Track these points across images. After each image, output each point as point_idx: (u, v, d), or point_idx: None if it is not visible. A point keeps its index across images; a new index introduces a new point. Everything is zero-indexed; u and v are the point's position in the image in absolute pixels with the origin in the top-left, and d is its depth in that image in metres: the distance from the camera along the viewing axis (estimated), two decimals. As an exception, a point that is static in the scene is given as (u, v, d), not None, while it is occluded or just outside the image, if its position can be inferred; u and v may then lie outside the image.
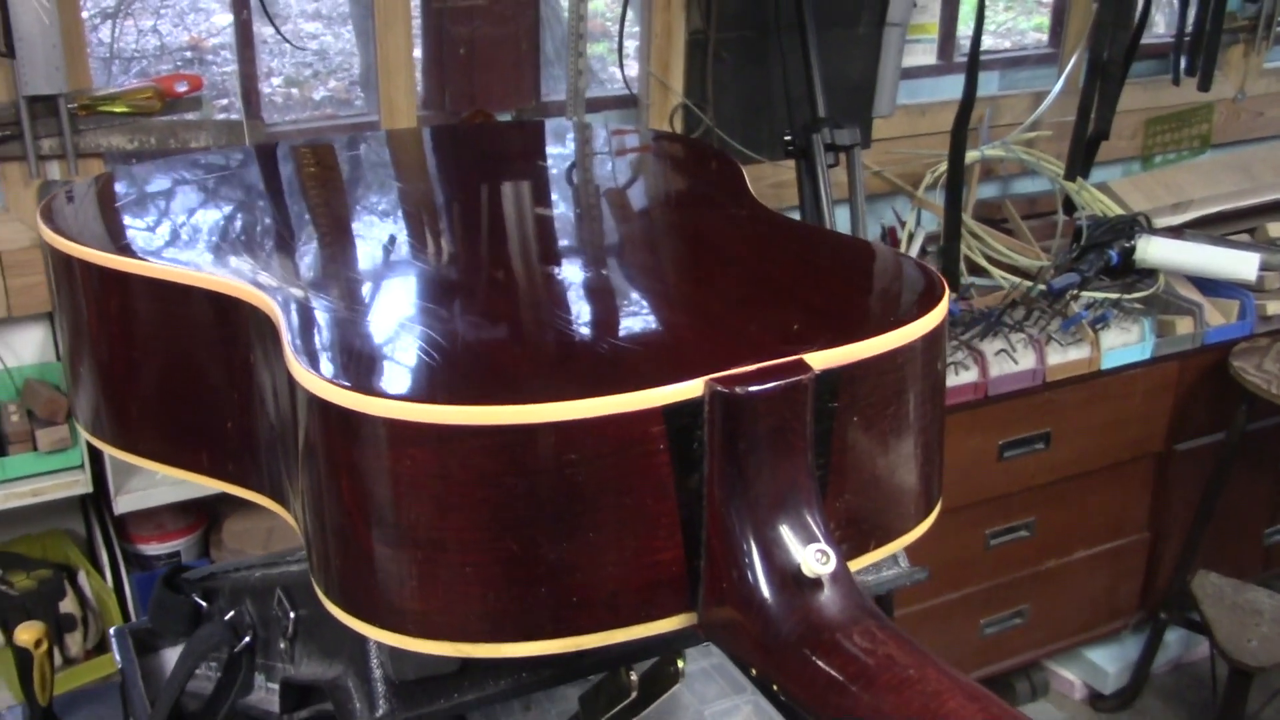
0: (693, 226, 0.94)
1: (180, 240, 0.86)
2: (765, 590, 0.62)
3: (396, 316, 0.74)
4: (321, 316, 0.71)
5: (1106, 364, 2.40)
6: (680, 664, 0.83)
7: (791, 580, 0.62)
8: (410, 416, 0.60)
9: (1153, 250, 2.45)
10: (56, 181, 1.92)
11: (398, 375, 0.65)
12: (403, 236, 0.89)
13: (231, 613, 0.95)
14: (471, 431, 0.60)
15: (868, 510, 0.70)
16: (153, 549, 2.07)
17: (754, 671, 0.62)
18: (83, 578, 1.96)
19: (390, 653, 0.75)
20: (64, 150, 1.88)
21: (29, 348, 2.01)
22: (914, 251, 2.55)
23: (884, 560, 0.89)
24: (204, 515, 2.12)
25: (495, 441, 0.60)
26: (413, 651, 0.66)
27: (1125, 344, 2.41)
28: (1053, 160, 2.71)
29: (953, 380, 2.23)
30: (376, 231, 0.90)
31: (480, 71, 2.25)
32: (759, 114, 2.42)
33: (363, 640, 0.75)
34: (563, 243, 0.89)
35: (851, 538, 0.69)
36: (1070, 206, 2.71)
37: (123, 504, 1.91)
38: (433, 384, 0.64)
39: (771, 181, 2.48)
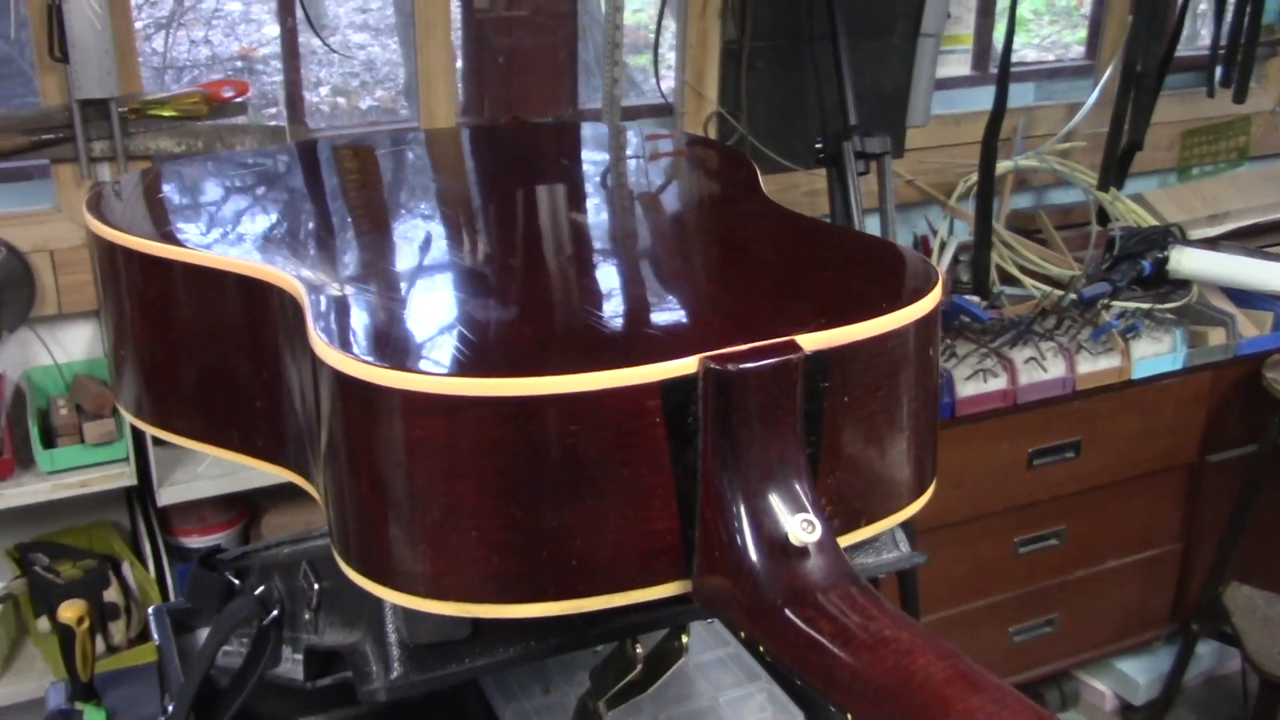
0: (702, 218, 0.98)
1: (217, 229, 0.91)
2: (754, 557, 0.65)
3: (411, 298, 0.78)
4: (342, 298, 0.76)
5: (1137, 374, 2.40)
6: (685, 639, 0.87)
7: (779, 548, 0.65)
8: (422, 388, 0.64)
9: (1186, 261, 2.45)
10: (106, 183, 1.98)
11: (411, 350, 0.69)
12: (420, 225, 0.93)
13: (261, 588, 0.99)
14: (479, 403, 0.64)
15: (859, 488, 0.73)
16: (194, 542, 2.12)
17: (742, 634, 0.65)
18: (127, 568, 2.02)
19: (405, 618, 0.79)
20: (114, 152, 1.95)
21: (78, 344, 2.07)
22: (946, 259, 2.56)
23: (884, 543, 0.92)
24: (245, 509, 2.17)
25: (501, 412, 0.64)
26: (425, 616, 0.70)
27: (1156, 354, 2.42)
28: (1087, 171, 2.72)
29: (982, 387, 2.25)
30: (397, 220, 0.95)
31: (519, 79, 2.30)
32: (792, 122, 2.45)
33: (380, 607, 0.79)
34: (574, 232, 0.93)
35: (843, 514, 0.73)
36: (1104, 217, 2.72)
37: (166, 496, 1.96)
38: (443, 358, 0.68)
39: (806, 190, 2.50)
